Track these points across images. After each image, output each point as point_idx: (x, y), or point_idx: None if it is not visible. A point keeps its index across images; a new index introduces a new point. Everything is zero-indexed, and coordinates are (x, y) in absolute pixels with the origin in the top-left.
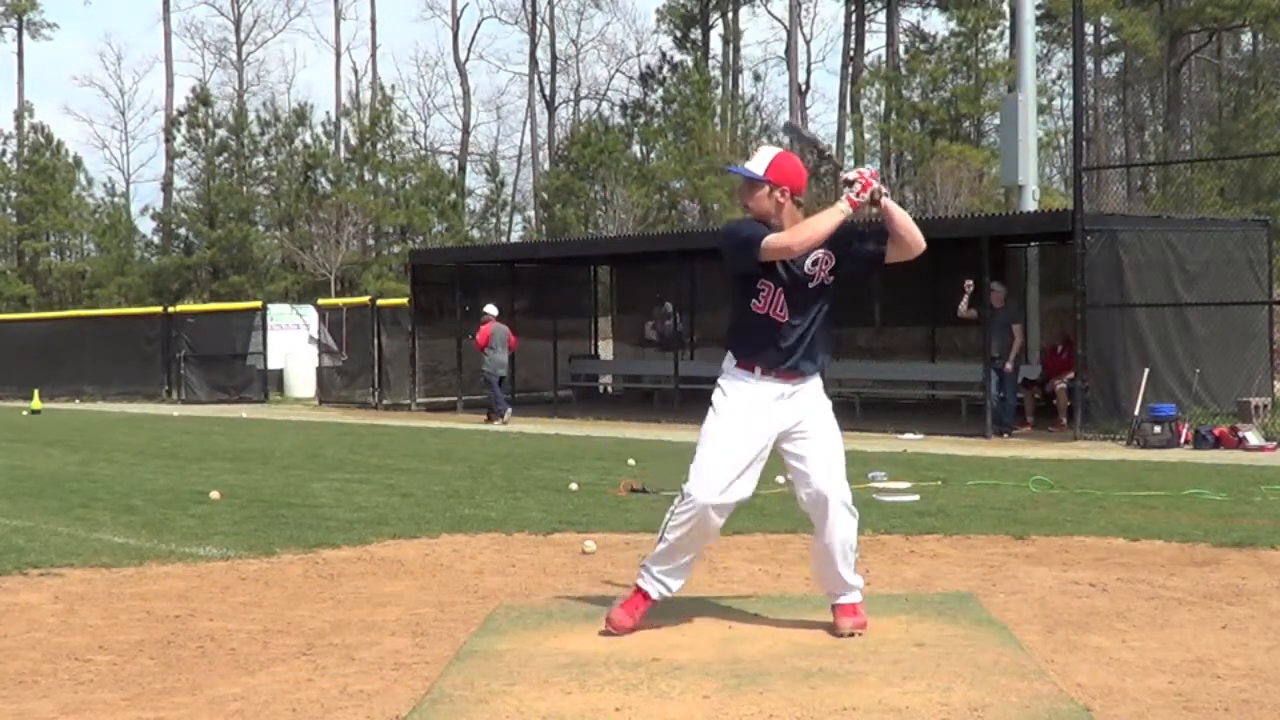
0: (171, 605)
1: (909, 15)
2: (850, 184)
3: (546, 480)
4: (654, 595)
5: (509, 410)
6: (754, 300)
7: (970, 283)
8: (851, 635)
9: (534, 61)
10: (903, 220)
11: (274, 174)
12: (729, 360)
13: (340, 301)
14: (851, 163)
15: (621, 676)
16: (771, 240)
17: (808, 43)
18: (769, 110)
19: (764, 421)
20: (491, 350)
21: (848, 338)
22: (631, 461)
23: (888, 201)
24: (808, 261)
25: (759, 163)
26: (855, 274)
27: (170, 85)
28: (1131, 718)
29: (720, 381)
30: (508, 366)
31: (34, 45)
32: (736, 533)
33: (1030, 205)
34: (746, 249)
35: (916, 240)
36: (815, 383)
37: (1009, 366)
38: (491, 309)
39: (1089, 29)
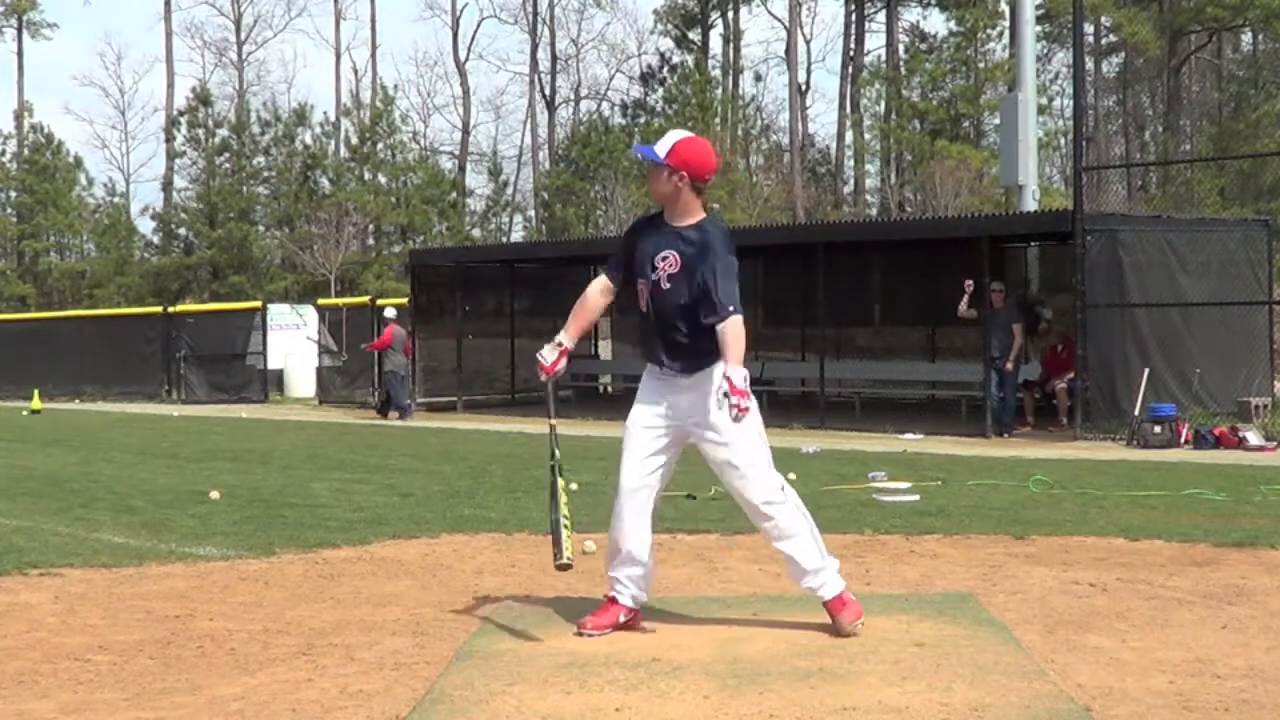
0: (171, 605)
1: (909, 15)
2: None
3: (546, 480)
4: (625, 602)
5: (411, 408)
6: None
7: (970, 282)
8: (855, 633)
9: (534, 61)
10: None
11: (274, 174)
12: None
13: (340, 301)
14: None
15: (621, 676)
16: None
17: (808, 43)
18: (769, 110)
19: (657, 408)
20: (392, 351)
21: (848, 338)
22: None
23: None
24: (656, 256)
25: (662, 145)
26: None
27: (170, 85)
28: (1131, 718)
29: None
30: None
31: (34, 45)
32: (736, 533)
33: (1030, 205)
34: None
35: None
36: (704, 382)
37: (1009, 366)
38: (391, 312)
39: (1089, 29)
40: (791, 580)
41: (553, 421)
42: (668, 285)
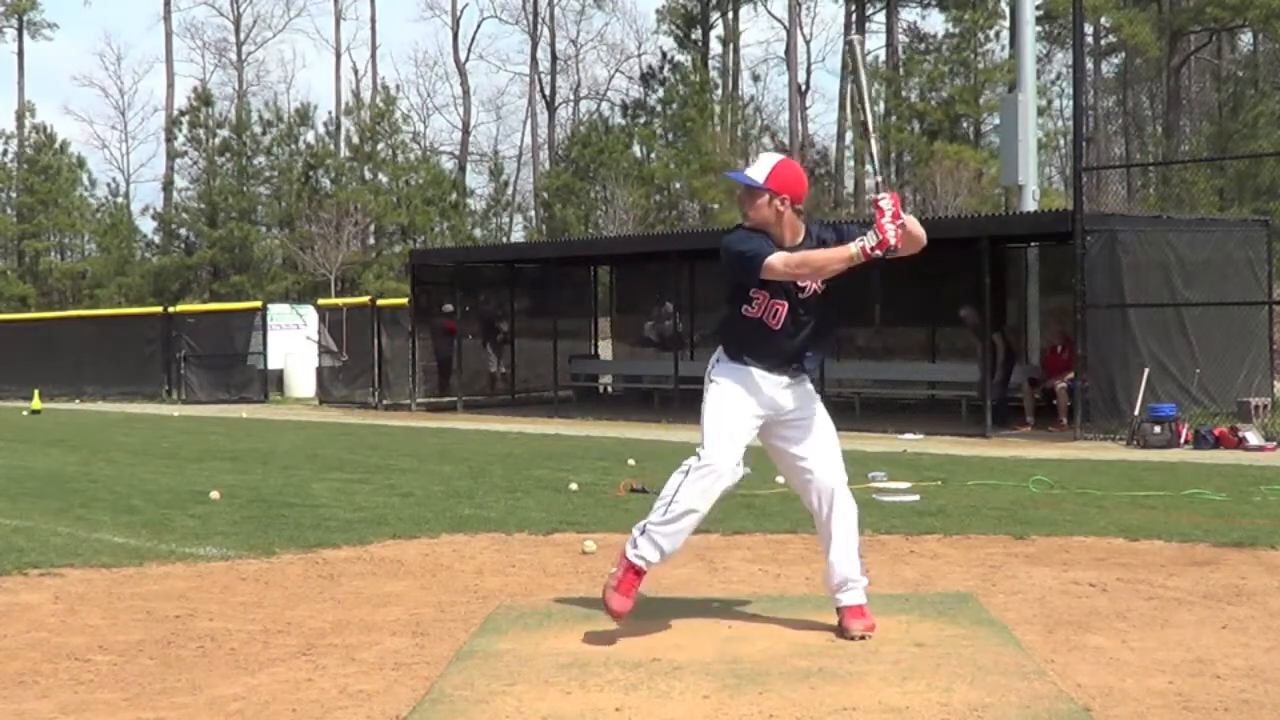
0: (171, 605)
1: (908, 15)
2: (878, 211)
3: (546, 480)
4: (643, 565)
5: None
6: (746, 306)
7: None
8: (862, 638)
9: (534, 61)
10: (915, 234)
11: (275, 174)
12: (719, 353)
13: (340, 301)
14: (873, 181)
15: (621, 676)
16: (773, 263)
17: (808, 43)
18: (769, 111)
19: (758, 401)
20: None
21: (847, 338)
22: (631, 461)
23: (909, 224)
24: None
25: (760, 170)
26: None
27: (170, 85)
28: (1131, 718)
29: (714, 368)
30: None
31: (34, 45)
32: (736, 533)
33: (1030, 205)
34: (747, 266)
35: (921, 243)
36: (805, 379)
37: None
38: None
39: (1089, 29)
40: (826, 582)
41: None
42: (820, 292)
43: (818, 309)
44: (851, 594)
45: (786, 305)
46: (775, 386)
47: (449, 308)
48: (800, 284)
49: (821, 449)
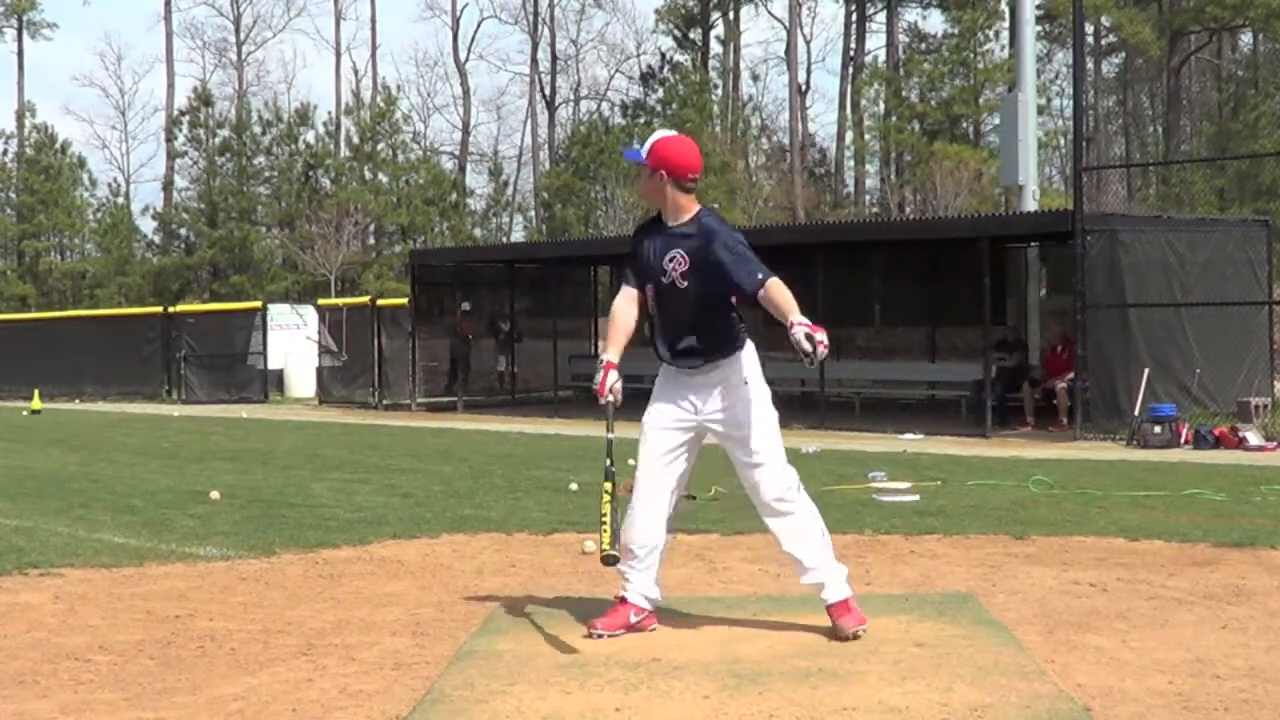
0: (171, 605)
1: (908, 15)
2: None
3: (546, 480)
4: (636, 601)
5: None
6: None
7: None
8: (855, 637)
9: (534, 61)
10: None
11: (275, 174)
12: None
13: (340, 301)
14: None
15: (621, 676)
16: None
17: (808, 43)
18: (769, 111)
19: (674, 406)
20: None
21: (847, 338)
22: (632, 462)
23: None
24: (665, 260)
25: (645, 146)
26: (723, 290)
27: (171, 85)
28: (1131, 718)
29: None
30: None
31: (34, 45)
32: (737, 533)
33: (1030, 205)
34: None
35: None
36: (727, 370)
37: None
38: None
39: (1089, 29)
40: (798, 580)
41: (610, 435)
42: (683, 284)
43: (693, 298)
44: (831, 590)
45: (660, 295)
46: (688, 384)
47: (466, 306)
48: (664, 267)
49: (750, 450)
